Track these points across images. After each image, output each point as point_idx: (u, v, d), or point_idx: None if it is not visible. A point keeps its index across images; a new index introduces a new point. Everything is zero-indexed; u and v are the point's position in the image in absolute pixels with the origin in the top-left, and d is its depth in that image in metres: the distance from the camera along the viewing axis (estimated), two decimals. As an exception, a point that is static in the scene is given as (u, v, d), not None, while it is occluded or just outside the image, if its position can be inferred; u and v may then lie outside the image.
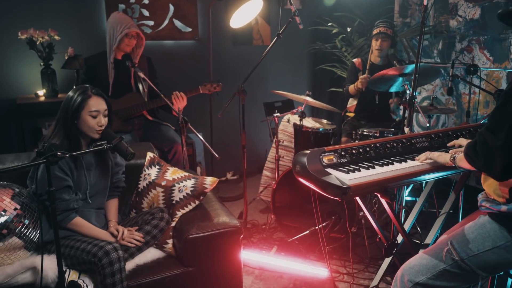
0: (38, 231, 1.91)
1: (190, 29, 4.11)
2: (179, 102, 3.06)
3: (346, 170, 1.68)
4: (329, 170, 1.69)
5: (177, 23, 4.05)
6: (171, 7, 3.99)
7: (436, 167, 1.78)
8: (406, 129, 2.62)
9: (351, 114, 3.76)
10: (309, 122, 3.52)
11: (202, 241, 2.01)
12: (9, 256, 1.85)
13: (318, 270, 2.71)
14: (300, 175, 1.74)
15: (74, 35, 3.59)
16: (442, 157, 1.74)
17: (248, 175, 4.50)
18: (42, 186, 1.89)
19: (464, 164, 1.57)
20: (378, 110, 3.66)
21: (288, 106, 4.33)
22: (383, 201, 1.76)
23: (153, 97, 3.19)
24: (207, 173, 4.20)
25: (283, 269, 2.75)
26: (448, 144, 2.02)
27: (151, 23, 3.93)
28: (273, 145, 3.72)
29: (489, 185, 1.54)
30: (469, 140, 1.87)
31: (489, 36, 3.64)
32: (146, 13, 3.89)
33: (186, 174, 2.34)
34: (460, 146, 1.94)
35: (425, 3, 2.32)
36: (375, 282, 2.25)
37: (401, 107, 4.26)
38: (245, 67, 4.43)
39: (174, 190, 2.22)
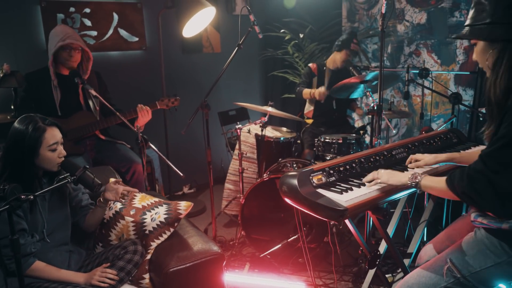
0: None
1: (136, 39, 3.89)
2: (145, 116, 2.88)
3: (339, 190, 1.62)
4: (320, 191, 1.62)
5: (123, 32, 3.81)
6: (115, 16, 3.74)
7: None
8: (373, 139, 2.64)
9: (310, 121, 3.75)
10: (270, 132, 3.46)
11: (184, 273, 1.87)
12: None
13: (295, 285, 2.66)
14: (288, 196, 1.67)
15: (7, 50, 3.24)
16: (395, 178, 1.61)
17: (203, 187, 4.37)
18: None
19: (435, 191, 1.50)
20: (337, 116, 3.68)
21: (242, 115, 4.24)
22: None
23: (106, 115, 2.96)
24: (165, 189, 4.00)
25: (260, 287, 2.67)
26: (406, 163, 1.88)
27: (94, 33, 3.66)
28: (234, 157, 3.61)
29: None
30: (426, 157, 1.79)
31: (436, 40, 3.79)
32: (88, 22, 3.61)
33: (156, 200, 2.17)
34: (416, 161, 1.83)
35: (383, 10, 2.35)
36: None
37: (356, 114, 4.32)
38: (197, 75, 4.28)
39: (145, 219, 2.04)
